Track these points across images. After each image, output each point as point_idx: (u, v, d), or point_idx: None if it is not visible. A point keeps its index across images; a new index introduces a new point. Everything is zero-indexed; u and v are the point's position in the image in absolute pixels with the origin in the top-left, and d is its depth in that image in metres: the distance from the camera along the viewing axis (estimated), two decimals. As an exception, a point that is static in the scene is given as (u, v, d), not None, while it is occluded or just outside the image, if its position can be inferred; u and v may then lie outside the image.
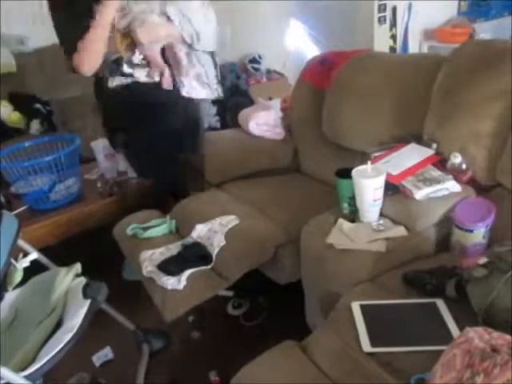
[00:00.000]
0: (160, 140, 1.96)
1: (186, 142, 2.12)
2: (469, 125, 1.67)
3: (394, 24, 3.44)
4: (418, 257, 1.52)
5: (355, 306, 1.32)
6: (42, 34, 3.68)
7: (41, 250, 1.65)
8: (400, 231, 1.52)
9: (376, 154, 1.80)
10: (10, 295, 1.60)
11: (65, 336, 1.32)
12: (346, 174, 1.59)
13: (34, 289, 1.60)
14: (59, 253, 1.90)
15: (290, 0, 4.01)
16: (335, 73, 2.26)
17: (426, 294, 1.31)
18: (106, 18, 1.73)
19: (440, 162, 1.69)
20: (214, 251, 1.70)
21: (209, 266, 1.67)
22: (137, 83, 1.86)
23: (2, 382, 1.16)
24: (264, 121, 2.41)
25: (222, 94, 1.99)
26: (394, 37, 3.49)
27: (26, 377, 1.20)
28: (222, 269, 1.70)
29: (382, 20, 3.35)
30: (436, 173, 1.62)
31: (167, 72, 1.89)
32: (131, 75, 1.85)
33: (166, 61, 1.90)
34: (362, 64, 2.19)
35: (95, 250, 2.30)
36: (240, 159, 2.28)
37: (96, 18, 1.72)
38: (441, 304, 1.27)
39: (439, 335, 1.17)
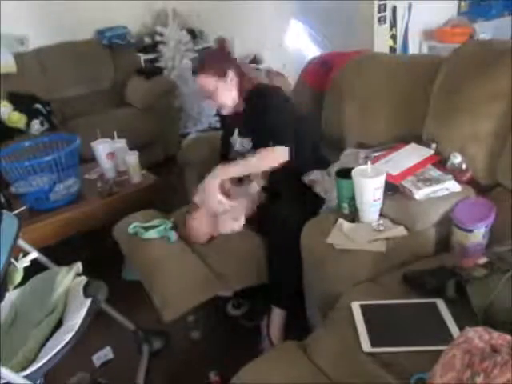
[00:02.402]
0: None
1: None
2: (469, 125, 1.67)
3: (394, 24, 3.44)
4: (418, 257, 1.52)
5: (355, 306, 1.32)
6: (42, 34, 3.70)
7: (41, 250, 1.65)
8: (400, 231, 1.52)
9: (376, 154, 1.80)
10: (11, 295, 1.60)
11: (65, 336, 1.32)
12: (346, 174, 1.59)
13: (34, 288, 1.60)
14: (59, 253, 1.90)
15: (290, 0, 4.01)
16: (335, 73, 2.26)
17: (426, 294, 1.31)
18: None
19: (440, 162, 1.69)
20: None
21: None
22: None
23: (2, 381, 1.16)
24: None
25: None
26: (393, 37, 3.49)
27: (26, 376, 1.20)
28: (223, 273, 1.71)
29: (381, 20, 3.35)
30: (436, 173, 1.62)
31: None
32: None
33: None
34: (362, 65, 2.19)
35: (95, 250, 2.31)
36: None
37: None
38: (441, 304, 1.27)
39: (439, 335, 1.17)
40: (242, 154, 1.93)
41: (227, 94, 1.88)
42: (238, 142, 1.97)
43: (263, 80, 2.00)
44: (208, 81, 1.84)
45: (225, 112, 1.94)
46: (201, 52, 1.94)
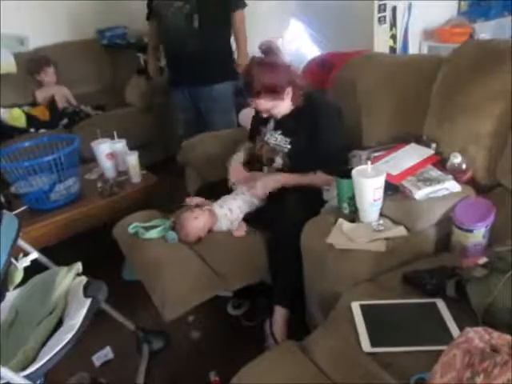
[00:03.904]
0: None
1: None
2: (469, 125, 1.67)
3: (394, 24, 3.44)
4: (418, 257, 1.52)
5: (355, 306, 1.32)
6: (42, 34, 3.70)
7: (41, 250, 1.65)
8: (400, 231, 1.52)
9: (376, 154, 1.80)
10: (11, 295, 1.60)
11: (65, 336, 1.31)
12: (346, 174, 1.59)
13: (34, 288, 1.60)
14: (59, 253, 1.91)
15: (290, 0, 4.00)
16: (335, 73, 2.26)
17: (426, 293, 1.31)
18: None
19: (440, 162, 1.70)
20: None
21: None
22: None
23: (2, 381, 1.16)
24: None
25: None
26: (393, 37, 3.49)
27: (26, 376, 1.20)
28: (223, 272, 1.71)
29: (382, 20, 3.34)
30: (436, 173, 1.62)
31: None
32: None
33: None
34: (362, 65, 2.19)
35: (95, 250, 2.30)
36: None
37: None
38: (441, 304, 1.27)
39: (439, 335, 1.17)
40: (271, 149, 1.97)
41: (283, 107, 1.89)
42: (272, 135, 1.98)
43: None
44: (265, 103, 1.84)
45: (275, 117, 1.95)
46: (250, 66, 1.87)
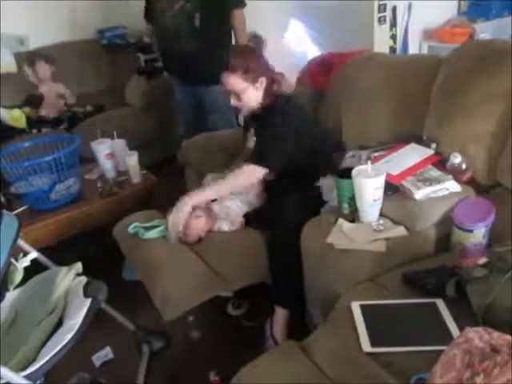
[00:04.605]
0: None
1: None
2: (469, 125, 1.67)
3: (394, 24, 3.44)
4: (418, 257, 1.52)
5: (355, 306, 1.32)
6: (42, 34, 3.70)
7: (41, 250, 1.65)
8: (400, 231, 1.52)
9: (376, 154, 1.80)
10: (11, 295, 1.60)
11: (65, 335, 1.31)
12: (346, 174, 1.59)
13: (34, 288, 1.60)
14: (59, 253, 1.91)
15: (290, 0, 4.00)
16: (335, 73, 2.27)
17: (426, 293, 1.31)
18: None
19: (440, 161, 1.70)
20: None
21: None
22: None
23: (2, 381, 1.16)
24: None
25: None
26: (393, 37, 3.48)
27: (26, 376, 1.20)
28: (223, 272, 1.71)
29: (382, 20, 3.34)
30: (436, 173, 1.62)
31: None
32: None
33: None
34: (362, 65, 2.19)
35: (95, 250, 2.31)
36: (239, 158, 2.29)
37: None
38: (441, 304, 1.27)
39: (439, 335, 1.17)
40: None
41: (254, 97, 1.87)
42: (252, 140, 1.99)
43: (285, 86, 1.98)
44: (237, 82, 1.82)
45: (244, 112, 1.94)
46: (233, 47, 1.94)
